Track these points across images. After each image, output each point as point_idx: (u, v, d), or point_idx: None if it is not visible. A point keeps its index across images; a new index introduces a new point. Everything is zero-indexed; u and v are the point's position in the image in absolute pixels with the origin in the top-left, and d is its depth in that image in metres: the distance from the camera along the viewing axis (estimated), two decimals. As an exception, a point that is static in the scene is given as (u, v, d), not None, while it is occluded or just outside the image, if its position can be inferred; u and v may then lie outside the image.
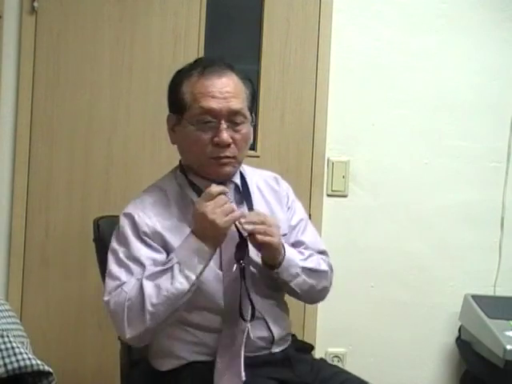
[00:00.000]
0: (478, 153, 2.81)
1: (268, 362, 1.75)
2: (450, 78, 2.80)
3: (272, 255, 1.72)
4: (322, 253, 1.90)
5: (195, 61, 1.82)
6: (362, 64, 2.74)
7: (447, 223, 2.80)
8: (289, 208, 1.90)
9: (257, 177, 1.90)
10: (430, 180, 2.79)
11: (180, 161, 1.85)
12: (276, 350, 1.78)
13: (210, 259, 1.64)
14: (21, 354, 1.16)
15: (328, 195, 2.72)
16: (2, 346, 1.16)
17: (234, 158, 1.73)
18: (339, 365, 2.66)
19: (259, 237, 1.66)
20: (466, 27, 2.80)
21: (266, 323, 1.76)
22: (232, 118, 1.71)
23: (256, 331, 1.71)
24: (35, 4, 2.48)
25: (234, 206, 1.65)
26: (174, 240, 1.70)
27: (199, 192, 1.72)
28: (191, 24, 2.62)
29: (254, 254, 1.74)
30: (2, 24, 2.49)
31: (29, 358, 1.17)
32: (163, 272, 1.62)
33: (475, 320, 2.59)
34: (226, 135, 1.68)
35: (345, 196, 2.71)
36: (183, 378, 1.70)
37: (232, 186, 1.79)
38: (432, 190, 2.79)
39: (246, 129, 1.74)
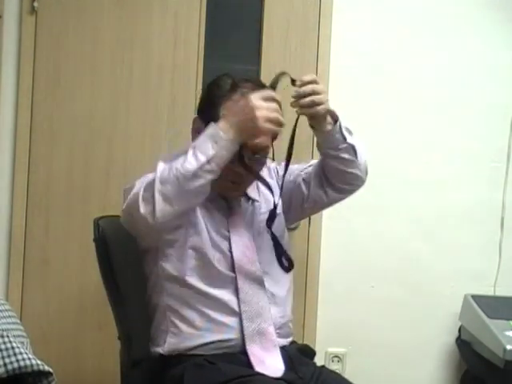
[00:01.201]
0: (478, 153, 2.81)
1: None
2: (450, 77, 2.79)
3: (319, 124, 1.79)
4: None
5: (233, 81, 1.80)
6: (362, 64, 2.74)
7: (447, 223, 2.79)
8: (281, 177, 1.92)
9: None
10: (430, 180, 2.79)
11: None
12: (277, 338, 1.81)
13: (228, 149, 1.64)
14: (21, 353, 1.17)
15: (328, 195, 2.71)
16: (2, 346, 1.16)
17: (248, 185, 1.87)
18: (339, 365, 2.67)
19: (304, 110, 1.71)
20: (466, 27, 2.80)
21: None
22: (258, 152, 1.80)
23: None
24: (35, 4, 2.48)
25: (281, 119, 1.67)
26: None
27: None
28: (191, 24, 2.61)
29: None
30: (2, 24, 2.48)
31: (29, 358, 1.17)
32: (179, 156, 1.66)
33: (475, 320, 2.59)
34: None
35: (345, 196, 2.70)
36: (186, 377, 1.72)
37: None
38: (432, 189, 2.78)
39: (264, 158, 1.83)
